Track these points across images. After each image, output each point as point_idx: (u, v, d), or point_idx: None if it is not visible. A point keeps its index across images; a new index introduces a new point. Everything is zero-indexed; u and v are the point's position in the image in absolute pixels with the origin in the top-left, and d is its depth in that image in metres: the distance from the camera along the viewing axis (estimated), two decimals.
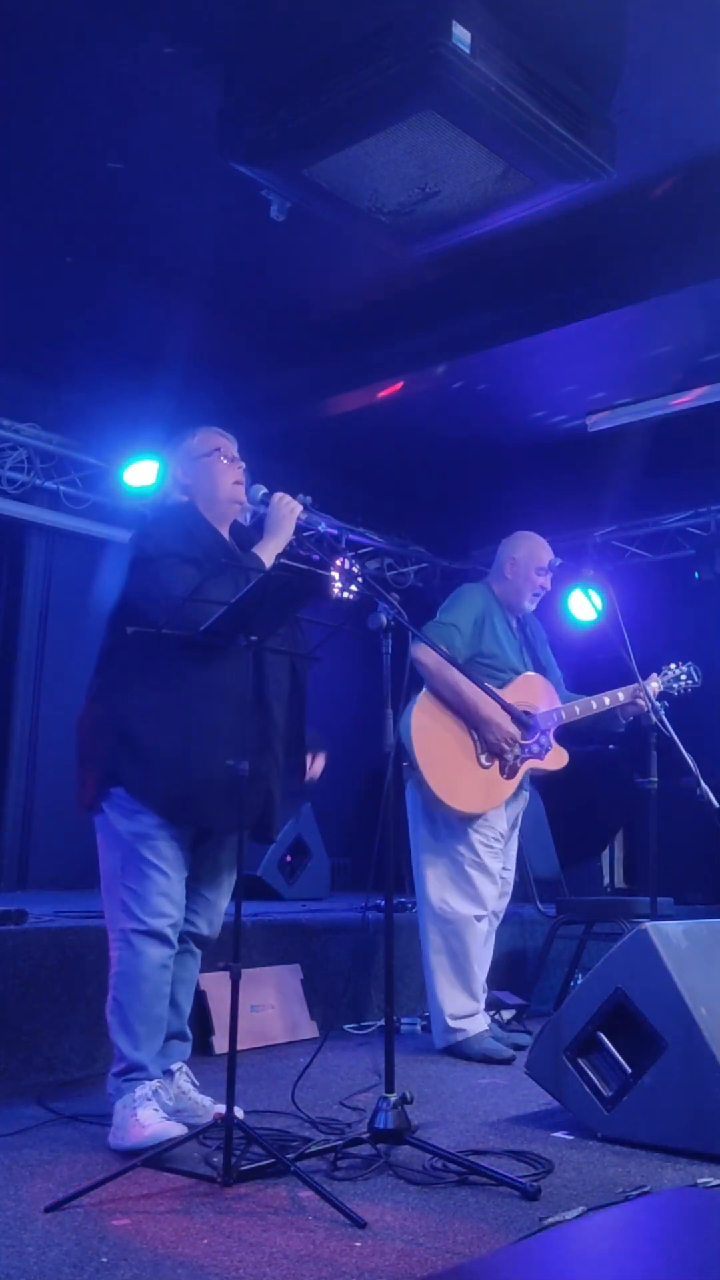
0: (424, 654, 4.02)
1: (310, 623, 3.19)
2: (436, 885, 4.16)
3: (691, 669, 4.60)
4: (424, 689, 4.13)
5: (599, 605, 7.04)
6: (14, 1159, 2.76)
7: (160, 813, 2.92)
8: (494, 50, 3.71)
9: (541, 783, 4.51)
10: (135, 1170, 2.55)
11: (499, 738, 4.11)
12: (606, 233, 4.98)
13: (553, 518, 6.79)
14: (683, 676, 4.58)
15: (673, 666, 4.58)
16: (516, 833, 4.40)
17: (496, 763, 4.17)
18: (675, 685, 4.56)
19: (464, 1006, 4.10)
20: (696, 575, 7.22)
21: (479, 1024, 4.11)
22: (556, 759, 4.29)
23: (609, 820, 7.13)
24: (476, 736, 4.14)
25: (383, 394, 6.11)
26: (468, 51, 3.61)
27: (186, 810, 2.93)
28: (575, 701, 4.32)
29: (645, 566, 7.59)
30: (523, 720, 4.11)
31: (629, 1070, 2.94)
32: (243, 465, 3.22)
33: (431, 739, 4.10)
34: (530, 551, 4.38)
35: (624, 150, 4.25)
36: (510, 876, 4.35)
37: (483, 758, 4.15)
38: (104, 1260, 2.11)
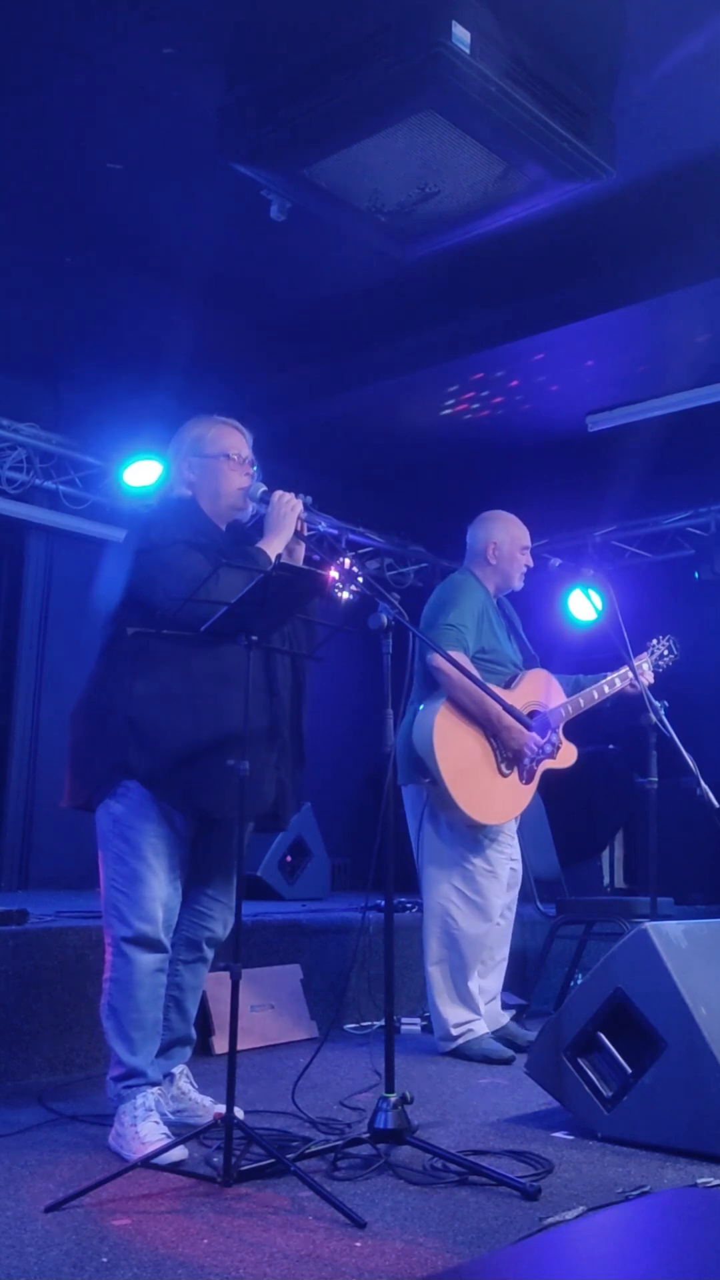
0: (441, 660, 3.88)
1: (311, 623, 3.18)
2: (443, 899, 4.10)
3: (671, 642, 4.58)
4: (444, 698, 4.01)
5: (599, 605, 7.05)
6: (14, 1159, 2.76)
7: (172, 802, 2.88)
8: (494, 50, 3.71)
9: (541, 782, 4.47)
10: (135, 1170, 2.55)
11: (522, 743, 4.05)
12: (606, 233, 4.98)
13: (553, 518, 6.80)
14: (665, 653, 4.56)
15: (655, 642, 4.57)
16: (516, 822, 4.35)
17: (515, 769, 4.11)
18: (661, 663, 4.54)
19: (463, 1016, 4.09)
20: (696, 575, 7.22)
21: (480, 1028, 4.10)
22: (567, 756, 4.25)
23: (609, 820, 7.13)
24: (497, 744, 4.07)
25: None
26: (468, 51, 3.61)
27: (199, 798, 2.89)
28: (579, 694, 4.28)
29: (645, 566, 7.59)
30: (530, 726, 4.04)
31: (629, 1070, 2.94)
32: (252, 465, 3.21)
33: (456, 752, 3.98)
34: (509, 533, 4.33)
35: (624, 150, 4.26)
36: (518, 867, 4.30)
37: (502, 766, 4.08)
38: (104, 1260, 2.11)
